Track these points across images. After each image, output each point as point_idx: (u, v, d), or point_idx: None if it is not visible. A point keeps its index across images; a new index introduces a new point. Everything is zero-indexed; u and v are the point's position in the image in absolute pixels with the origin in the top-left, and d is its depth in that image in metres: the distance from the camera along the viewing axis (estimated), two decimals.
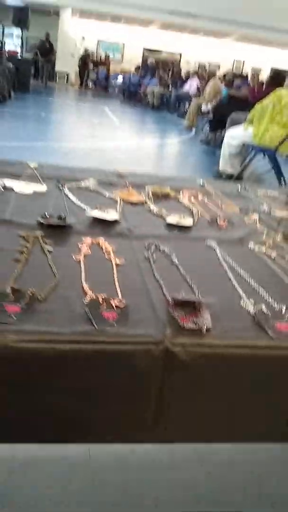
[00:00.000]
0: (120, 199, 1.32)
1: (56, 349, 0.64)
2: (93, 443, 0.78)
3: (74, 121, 10.07)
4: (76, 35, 17.84)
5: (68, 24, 17.95)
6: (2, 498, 1.22)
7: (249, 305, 0.83)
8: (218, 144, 6.26)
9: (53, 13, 17.18)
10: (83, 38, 17.84)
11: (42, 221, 1.04)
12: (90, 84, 16.85)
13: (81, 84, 16.92)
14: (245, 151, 4.84)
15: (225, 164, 4.98)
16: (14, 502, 1.21)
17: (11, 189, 1.28)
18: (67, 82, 17.09)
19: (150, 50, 18.37)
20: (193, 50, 17.83)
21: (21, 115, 9.10)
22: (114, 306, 0.74)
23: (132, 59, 18.11)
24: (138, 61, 17.93)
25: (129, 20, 17.05)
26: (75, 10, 17.09)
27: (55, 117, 10.27)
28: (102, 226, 1.11)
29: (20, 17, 12.73)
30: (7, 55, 11.69)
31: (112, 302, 0.75)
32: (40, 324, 0.68)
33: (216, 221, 1.27)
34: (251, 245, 1.13)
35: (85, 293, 0.78)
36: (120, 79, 16.26)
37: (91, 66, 16.91)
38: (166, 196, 1.45)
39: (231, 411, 0.76)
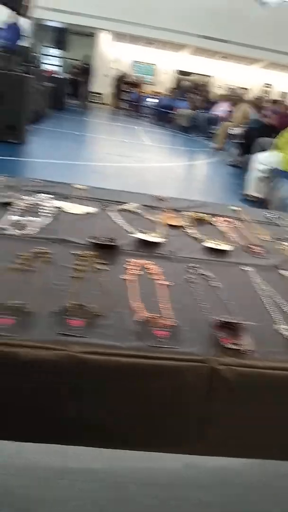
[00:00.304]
0: (161, 222, 1.40)
1: (116, 362, 0.71)
2: (137, 451, 0.84)
3: (106, 140, 10.30)
4: (111, 56, 18.31)
5: (104, 46, 18.47)
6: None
7: (283, 330, 0.89)
8: (246, 167, 6.34)
9: (90, 35, 17.70)
10: (118, 60, 18.28)
11: (93, 241, 1.12)
12: (124, 104, 17.20)
13: (115, 104, 17.29)
14: (273, 176, 4.90)
15: (252, 188, 5.05)
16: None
17: (61, 209, 1.37)
18: (100, 102, 17.48)
19: (182, 72, 18.69)
20: (223, 73, 18.09)
21: (56, 133, 9.36)
22: (163, 325, 0.81)
23: (164, 81, 18.47)
24: (170, 83, 18.27)
25: (162, 44, 17.44)
26: (111, 32, 17.59)
27: (87, 136, 10.52)
28: (147, 247, 1.18)
29: (59, 39, 13.20)
30: (45, 75, 12.06)
31: (161, 321, 0.82)
32: (100, 337, 0.75)
33: (250, 247, 1.34)
34: (284, 272, 1.19)
35: (135, 311, 0.85)
36: (151, 100, 16.56)
37: (124, 87, 17.29)
38: (201, 221, 1.53)
39: (271, 428, 0.81)
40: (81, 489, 1.35)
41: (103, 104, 17.56)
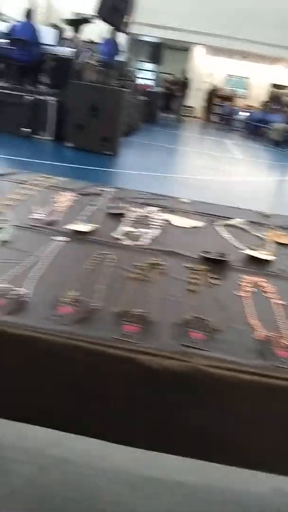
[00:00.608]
0: (269, 239, 1.39)
1: (240, 378, 0.72)
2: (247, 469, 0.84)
3: (196, 153, 10.34)
4: (205, 70, 18.41)
5: (198, 60, 18.63)
6: None
7: None
8: None
9: (185, 49, 17.95)
10: (211, 73, 18.34)
11: (204, 255, 1.14)
12: (215, 118, 17.21)
13: (206, 117, 17.36)
14: None
15: None
16: None
17: (169, 222, 1.41)
18: (192, 115, 17.63)
19: (276, 86, 18.33)
20: None
21: (147, 145, 9.57)
22: (286, 346, 0.80)
23: (257, 94, 18.23)
24: (263, 96, 17.99)
25: (256, 57, 17.26)
26: (205, 46, 17.71)
27: (178, 148, 10.64)
28: (257, 264, 1.17)
29: (155, 53, 13.51)
30: (139, 88, 12.40)
31: (283, 341, 0.82)
32: (222, 352, 0.76)
33: None
34: None
35: (254, 329, 0.85)
36: (243, 114, 16.41)
37: (216, 100, 17.31)
38: None
39: None
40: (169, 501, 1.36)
41: (195, 117, 17.67)
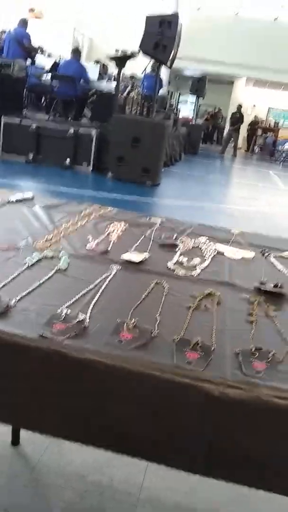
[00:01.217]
0: None
1: None
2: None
3: (238, 184, 10.36)
4: (247, 102, 18.58)
5: (240, 92, 18.85)
6: None
7: None
8: None
9: (227, 82, 18.23)
10: (254, 105, 18.50)
11: (260, 287, 1.14)
12: (257, 149, 17.27)
13: (248, 148, 17.44)
14: None
15: None
16: None
17: (221, 253, 1.41)
18: (235, 146, 17.78)
19: None
20: None
21: (190, 176, 9.67)
22: None
23: None
24: None
25: None
26: (248, 79, 17.93)
27: (220, 178, 10.69)
28: None
29: (197, 86, 13.76)
30: (181, 120, 12.65)
31: None
32: (283, 382, 0.75)
33: None
34: None
35: None
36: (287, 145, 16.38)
37: (259, 132, 17.39)
38: None
39: None
40: None
41: (238, 148, 17.78)
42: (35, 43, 9.39)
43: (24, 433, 1.69)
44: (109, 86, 9.28)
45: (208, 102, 16.86)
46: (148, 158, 7.15)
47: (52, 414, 0.83)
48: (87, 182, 7.33)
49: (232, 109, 18.13)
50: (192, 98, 16.38)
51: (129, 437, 0.81)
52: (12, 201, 1.70)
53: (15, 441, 1.70)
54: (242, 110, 16.19)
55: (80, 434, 0.84)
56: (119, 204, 5.76)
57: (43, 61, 10.13)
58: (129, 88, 10.87)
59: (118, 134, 7.19)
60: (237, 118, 15.87)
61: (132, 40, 9.06)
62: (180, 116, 14.14)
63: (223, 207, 6.99)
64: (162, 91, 10.60)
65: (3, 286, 0.97)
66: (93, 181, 7.41)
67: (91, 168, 7.71)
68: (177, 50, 7.68)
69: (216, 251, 1.42)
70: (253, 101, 18.71)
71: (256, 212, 6.76)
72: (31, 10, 14.11)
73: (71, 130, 7.59)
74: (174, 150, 10.24)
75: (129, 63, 7.68)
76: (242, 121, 16.07)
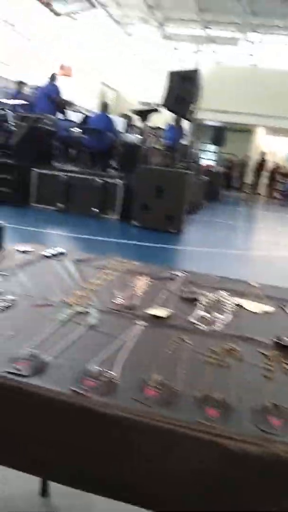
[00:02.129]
0: None
1: None
2: None
3: (260, 229, 10.43)
4: (266, 149, 18.92)
5: (259, 140, 19.25)
6: None
7: None
8: None
9: (247, 130, 18.67)
10: (273, 152, 18.81)
11: (279, 341, 1.19)
12: (277, 195, 17.44)
13: (269, 194, 17.63)
14: None
15: None
16: None
17: (241, 306, 1.48)
18: (255, 193, 18.00)
19: None
20: None
21: (211, 223, 9.80)
22: None
23: None
24: None
25: None
26: (267, 128, 18.35)
27: (242, 224, 10.79)
28: None
29: (217, 136, 14.15)
30: (202, 168, 12.94)
31: None
32: None
33: None
34: None
35: None
36: None
37: (278, 177, 17.61)
38: None
39: None
40: None
41: (258, 194, 17.99)
42: (65, 97, 9.91)
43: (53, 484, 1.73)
44: (134, 138, 9.65)
45: (229, 150, 17.26)
46: (171, 206, 7.33)
47: (81, 468, 0.89)
48: (113, 230, 7.52)
49: (252, 156, 18.47)
50: (213, 147, 16.80)
51: (150, 493, 0.86)
52: (45, 256, 1.81)
53: (44, 492, 1.73)
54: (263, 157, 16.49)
55: (104, 489, 0.90)
56: (144, 251, 5.88)
57: (72, 115, 10.71)
58: (153, 139, 11.26)
59: (142, 183, 7.43)
60: (260, 165, 16.14)
61: (155, 92, 9.48)
62: (202, 164, 14.48)
63: (244, 253, 7.05)
64: (184, 141, 10.93)
65: (40, 343, 1.06)
66: (119, 229, 7.60)
67: (117, 217, 7.94)
68: (197, 104, 8.00)
69: (236, 305, 1.48)
70: (271, 148, 19.07)
71: (278, 257, 6.79)
72: (62, 67, 14.93)
73: (99, 181, 7.90)
74: (197, 198, 10.44)
75: (155, 115, 8.02)
76: (264, 168, 16.33)
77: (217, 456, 0.80)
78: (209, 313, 1.39)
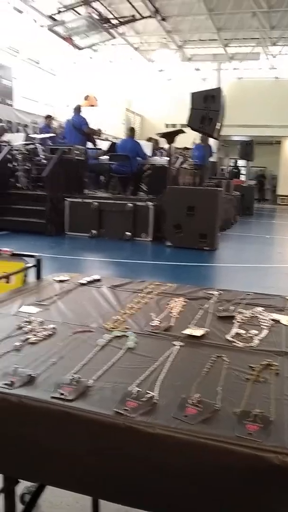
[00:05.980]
0: None
1: None
2: None
3: None
4: None
5: None
6: None
7: None
8: None
9: (275, 143, 18.58)
10: None
11: None
12: None
13: None
14: None
15: None
16: None
17: (278, 322, 1.49)
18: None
19: None
20: None
21: (245, 237, 9.73)
22: None
23: None
24: None
25: None
26: None
27: (276, 238, 10.65)
28: None
29: (246, 150, 14.14)
30: (233, 184, 12.92)
31: None
32: None
33: None
34: None
35: None
36: None
37: None
38: None
39: None
40: None
41: None
42: (92, 126, 10.20)
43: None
44: (162, 160, 9.78)
45: (258, 163, 17.21)
46: (203, 224, 7.35)
47: (128, 484, 0.92)
48: (147, 252, 7.59)
49: (282, 168, 18.32)
50: (242, 162, 16.79)
51: (189, 508, 0.88)
52: (82, 283, 1.88)
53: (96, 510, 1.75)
54: None
55: (149, 504, 0.92)
56: (180, 271, 5.90)
57: (102, 143, 11.02)
58: (181, 159, 11.37)
59: (173, 204, 7.50)
60: (271, 175, 16.05)
61: (180, 113, 9.61)
62: (233, 179, 14.46)
63: (279, 266, 6.95)
64: (212, 159, 10.99)
65: (83, 367, 1.10)
66: (153, 250, 7.67)
67: (150, 238, 8.02)
68: (222, 121, 8.06)
69: (273, 320, 1.49)
70: None
71: None
72: (87, 98, 15.37)
73: (130, 204, 8.04)
74: (229, 214, 10.42)
75: (181, 136, 8.12)
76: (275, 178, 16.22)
77: (258, 469, 0.81)
78: (245, 330, 1.40)
